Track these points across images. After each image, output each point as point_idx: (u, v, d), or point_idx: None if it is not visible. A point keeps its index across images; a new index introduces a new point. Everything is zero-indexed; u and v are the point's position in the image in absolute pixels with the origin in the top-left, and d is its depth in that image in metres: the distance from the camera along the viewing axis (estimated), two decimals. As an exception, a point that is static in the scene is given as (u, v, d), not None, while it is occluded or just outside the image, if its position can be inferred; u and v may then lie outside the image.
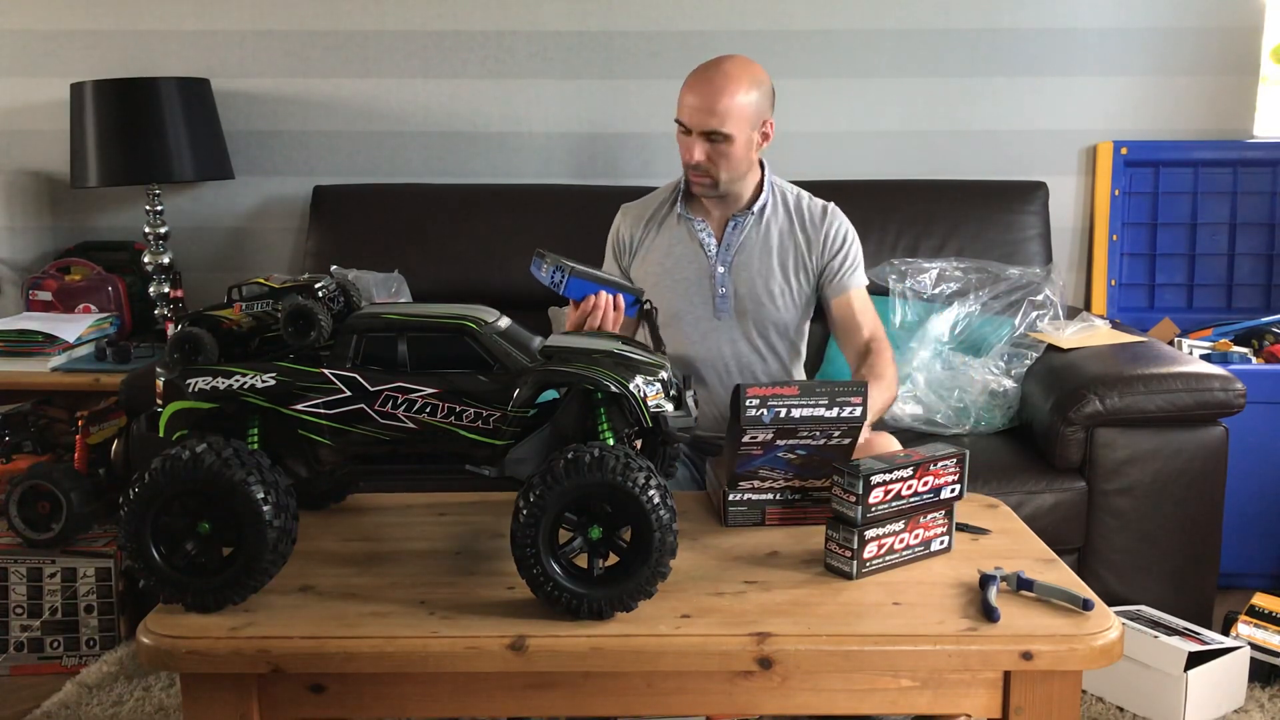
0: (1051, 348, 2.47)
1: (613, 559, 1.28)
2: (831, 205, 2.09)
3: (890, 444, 1.88)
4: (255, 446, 1.33)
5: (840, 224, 2.07)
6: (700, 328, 2.05)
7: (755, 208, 2.04)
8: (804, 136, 2.98)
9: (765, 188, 2.06)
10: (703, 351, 2.05)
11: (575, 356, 1.35)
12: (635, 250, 2.10)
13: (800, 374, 2.15)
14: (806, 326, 2.12)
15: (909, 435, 2.31)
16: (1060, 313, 2.62)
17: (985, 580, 1.35)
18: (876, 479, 1.39)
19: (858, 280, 2.07)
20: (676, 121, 1.96)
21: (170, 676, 2.12)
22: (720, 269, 2.03)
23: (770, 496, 1.56)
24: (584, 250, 2.84)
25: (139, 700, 2.09)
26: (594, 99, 3.03)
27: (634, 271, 2.11)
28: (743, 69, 1.93)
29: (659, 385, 1.35)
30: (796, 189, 2.11)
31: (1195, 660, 1.98)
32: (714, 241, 2.04)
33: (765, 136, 1.99)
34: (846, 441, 1.51)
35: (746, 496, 1.56)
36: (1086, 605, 1.30)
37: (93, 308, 2.93)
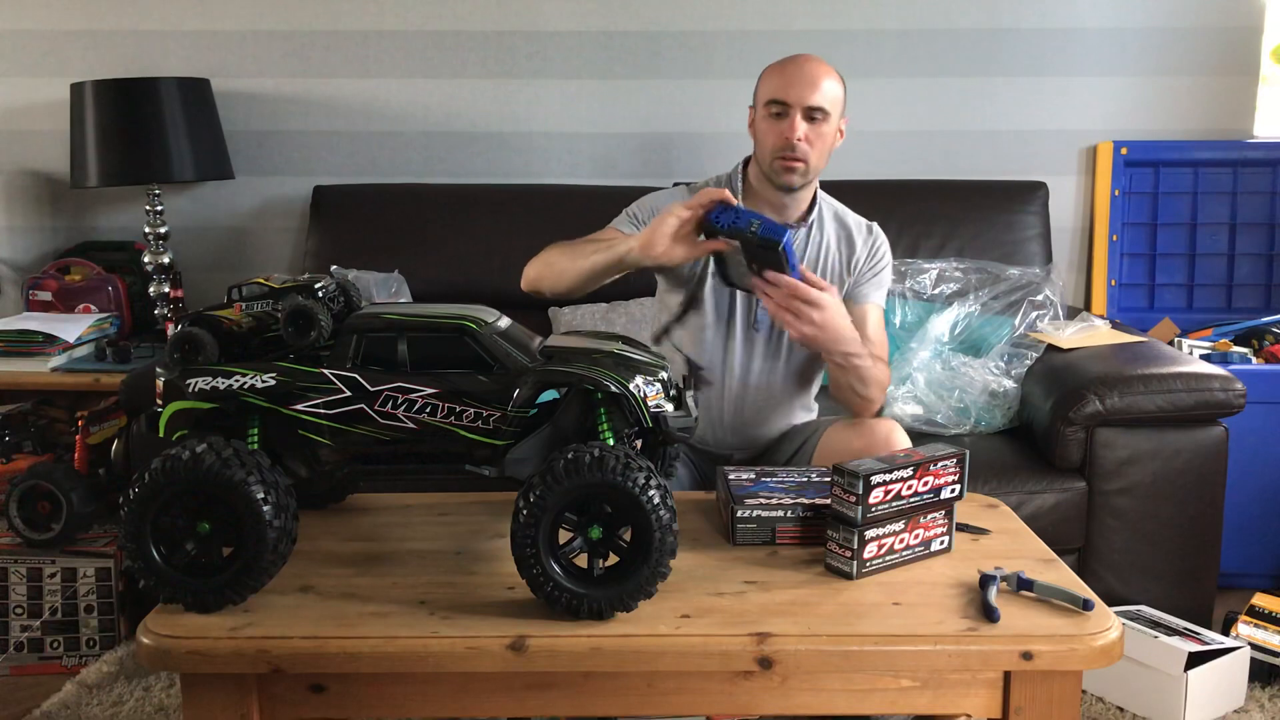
0: (1051, 348, 2.47)
1: (613, 559, 1.28)
2: (874, 225, 2.02)
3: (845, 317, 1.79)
4: (255, 446, 1.33)
5: (882, 245, 2.00)
6: (729, 332, 1.97)
7: (809, 220, 1.96)
8: (804, 136, 2.98)
9: (817, 200, 1.98)
10: (723, 357, 1.97)
11: (575, 356, 1.35)
12: None
13: (812, 400, 2.07)
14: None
15: (909, 436, 2.30)
16: (1060, 313, 2.62)
17: (985, 580, 1.35)
18: (876, 479, 1.39)
19: (876, 297, 1.99)
20: (770, 103, 1.84)
21: (170, 676, 2.11)
22: None
23: (781, 514, 1.52)
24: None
25: (139, 700, 2.08)
26: (594, 99, 3.03)
27: None
28: (827, 64, 1.88)
29: (659, 385, 1.35)
30: (838, 204, 2.03)
31: (1195, 660, 1.98)
32: None
33: (840, 134, 1.92)
34: None
35: (756, 514, 1.51)
36: (1086, 605, 1.30)
37: (93, 308, 2.93)
